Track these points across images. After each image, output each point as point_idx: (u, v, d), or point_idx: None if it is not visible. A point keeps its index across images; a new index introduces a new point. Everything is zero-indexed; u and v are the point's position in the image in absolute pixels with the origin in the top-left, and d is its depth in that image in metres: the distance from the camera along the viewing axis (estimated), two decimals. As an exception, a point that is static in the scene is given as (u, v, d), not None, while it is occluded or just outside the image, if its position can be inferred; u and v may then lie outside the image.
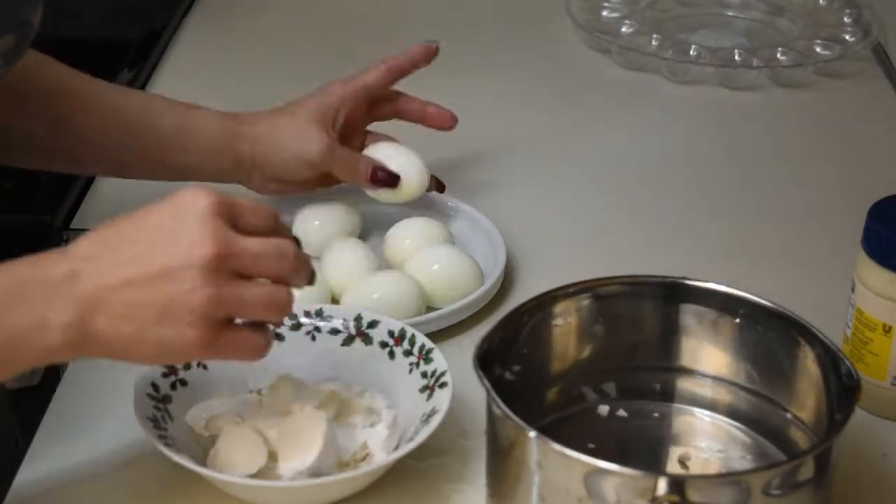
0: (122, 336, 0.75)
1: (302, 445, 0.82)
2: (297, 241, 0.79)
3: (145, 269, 0.74)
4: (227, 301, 0.75)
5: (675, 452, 0.88)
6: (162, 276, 0.74)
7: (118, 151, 1.04)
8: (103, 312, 0.74)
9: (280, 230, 0.78)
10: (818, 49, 1.41)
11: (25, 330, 0.74)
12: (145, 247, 0.75)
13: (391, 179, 1.05)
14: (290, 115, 1.07)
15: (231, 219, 0.75)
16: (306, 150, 1.04)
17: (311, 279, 0.79)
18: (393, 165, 1.06)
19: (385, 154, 1.07)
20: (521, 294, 1.02)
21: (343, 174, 1.06)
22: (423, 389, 0.87)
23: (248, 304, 0.75)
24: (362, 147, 1.09)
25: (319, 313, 0.92)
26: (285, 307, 0.77)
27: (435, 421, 0.82)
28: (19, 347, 0.74)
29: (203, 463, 0.83)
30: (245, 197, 0.80)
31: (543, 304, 0.85)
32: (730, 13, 1.52)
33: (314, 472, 0.82)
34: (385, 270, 1.04)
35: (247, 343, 0.77)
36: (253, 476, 0.82)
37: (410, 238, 1.05)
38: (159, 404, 0.85)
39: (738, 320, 0.85)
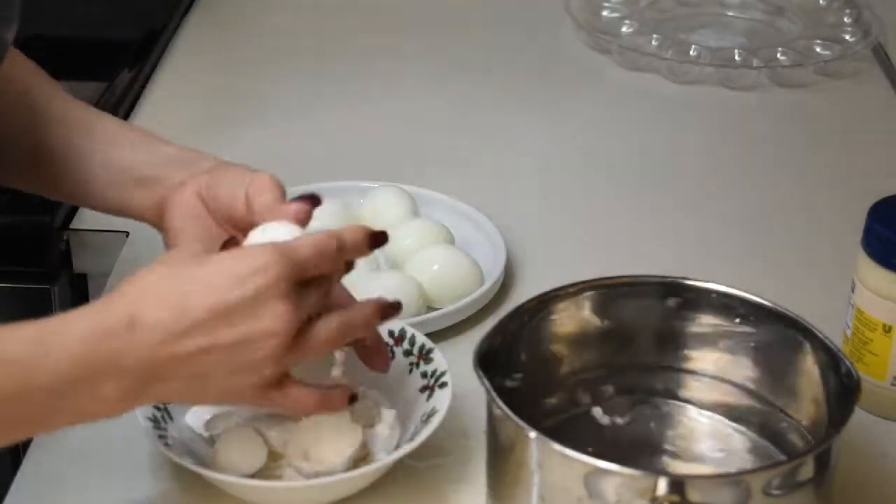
0: (187, 395, 0.78)
1: (335, 441, 0.83)
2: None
3: (219, 341, 0.74)
4: (292, 361, 0.77)
5: (674, 453, 0.88)
6: (236, 346, 0.75)
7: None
8: (166, 381, 0.75)
9: (340, 258, 0.80)
10: (818, 49, 1.41)
11: (82, 405, 0.74)
12: (218, 317, 0.74)
13: None
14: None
15: (300, 279, 0.76)
16: None
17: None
18: None
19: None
20: (521, 294, 1.02)
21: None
22: (423, 389, 0.87)
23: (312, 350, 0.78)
24: None
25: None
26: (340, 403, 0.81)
27: (435, 421, 0.82)
28: (72, 414, 0.75)
29: (203, 463, 0.83)
30: (307, 239, 0.79)
31: (543, 304, 0.85)
32: (730, 13, 1.52)
33: (319, 471, 0.82)
34: (385, 270, 1.04)
35: (299, 400, 0.79)
36: (253, 476, 0.83)
37: (410, 238, 1.05)
38: (159, 404, 0.85)
39: (737, 320, 0.85)
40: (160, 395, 0.77)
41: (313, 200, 0.85)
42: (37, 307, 1.13)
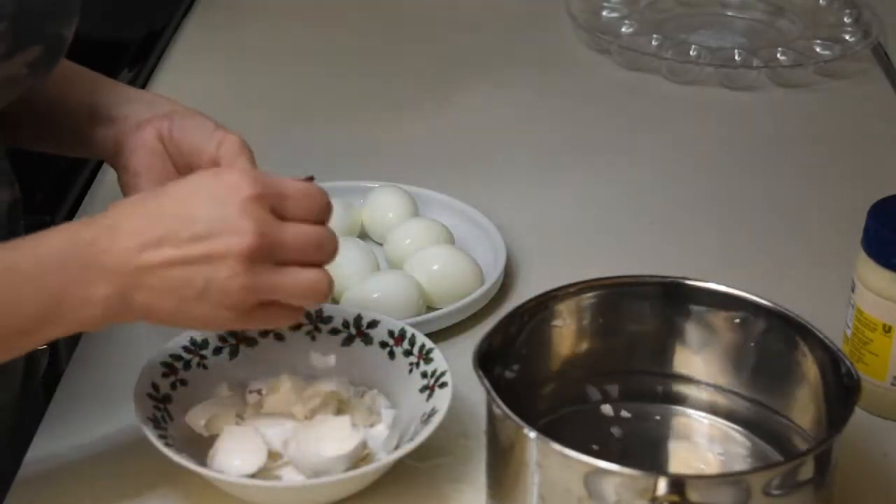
0: (161, 310, 0.78)
1: (335, 441, 0.83)
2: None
3: (187, 251, 0.77)
4: (263, 289, 0.78)
5: (674, 453, 0.88)
6: (203, 260, 0.77)
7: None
8: (143, 289, 0.77)
9: (325, 212, 0.81)
10: (818, 49, 1.41)
11: (67, 301, 0.77)
12: (188, 230, 0.77)
13: None
14: None
15: (276, 206, 0.78)
16: None
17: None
18: None
19: None
20: (521, 294, 1.02)
21: None
22: (423, 389, 0.86)
23: (284, 293, 0.78)
24: None
25: (319, 313, 0.92)
26: (323, 295, 0.80)
27: (435, 421, 0.82)
28: (60, 317, 0.77)
29: (203, 463, 0.83)
30: (293, 180, 0.81)
31: (543, 304, 0.85)
32: (730, 13, 1.52)
33: (318, 470, 0.82)
34: (385, 270, 1.04)
35: (279, 317, 0.80)
36: (253, 476, 0.83)
37: (410, 238, 1.05)
38: (159, 404, 0.85)
39: (737, 320, 0.85)
40: (141, 308, 0.78)
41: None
42: None
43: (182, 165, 0.90)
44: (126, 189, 0.92)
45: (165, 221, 0.78)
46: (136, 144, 0.91)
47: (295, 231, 0.79)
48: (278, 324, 0.84)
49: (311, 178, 0.82)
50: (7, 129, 0.96)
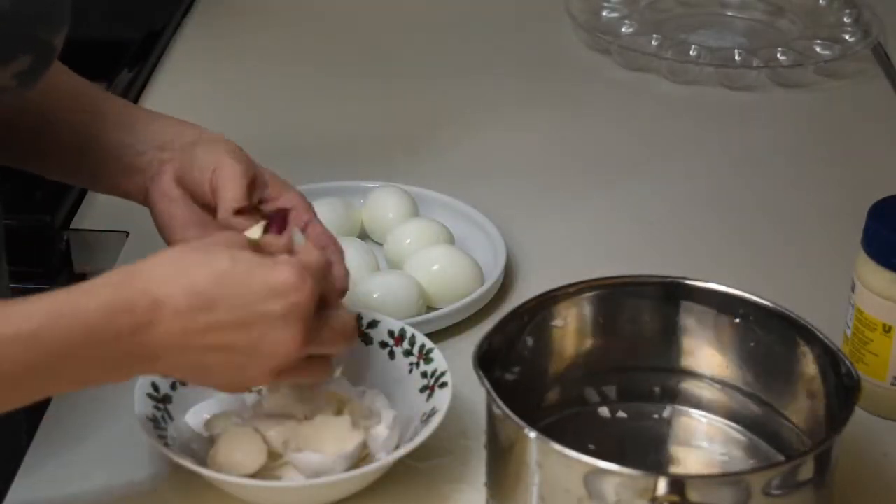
0: (188, 377, 0.82)
1: (335, 441, 0.84)
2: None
3: (231, 343, 0.76)
4: (290, 373, 0.79)
5: (674, 453, 0.88)
6: (243, 351, 0.76)
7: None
8: (171, 362, 0.77)
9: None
10: (818, 49, 1.41)
11: (100, 379, 0.77)
12: (236, 321, 0.76)
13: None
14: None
15: (317, 300, 0.78)
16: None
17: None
18: None
19: None
20: (521, 294, 1.02)
21: None
22: (423, 389, 0.87)
23: (307, 371, 0.81)
24: None
25: None
26: (325, 374, 0.83)
27: (435, 421, 0.82)
28: (87, 385, 0.78)
29: (203, 463, 0.83)
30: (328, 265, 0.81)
31: (543, 304, 0.85)
32: (730, 13, 1.52)
33: (318, 471, 0.82)
34: (385, 270, 1.04)
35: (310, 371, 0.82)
36: (253, 476, 0.83)
37: (410, 238, 1.05)
38: (159, 404, 0.85)
39: (737, 320, 0.85)
40: (162, 372, 0.80)
41: (281, 221, 0.88)
42: None
43: (199, 201, 0.90)
44: (161, 233, 0.93)
45: (214, 304, 0.75)
46: (157, 197, 0.92)
47: (328, 332, 0.79)
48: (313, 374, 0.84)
49: (282, 218, 0.86)
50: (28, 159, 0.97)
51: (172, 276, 0.76)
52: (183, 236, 0.91)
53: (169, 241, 0.92)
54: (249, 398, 0.88)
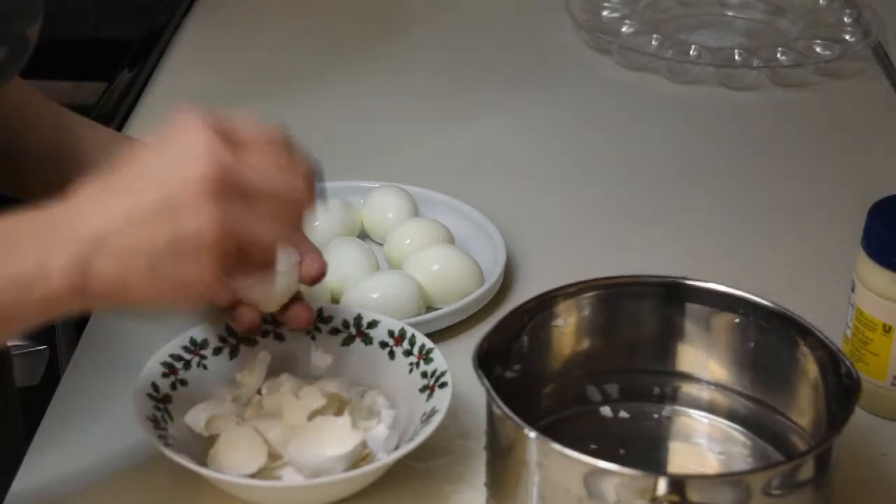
0: (130, 277, 0.71)
1: (334, 441, 0.83)
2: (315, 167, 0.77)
3: (146, 197, 0.70)
4: (237, 220, 0.71)
5: (674, 453, 0.88)
6: (163, 206, 0.70)
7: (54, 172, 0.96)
8: (105, 252, 0.70)
9: (288, 148, 0.76)
10: (818, 49, 1.41)
11: (24, 277, 0.70)
12: (144, 177, 0.71)
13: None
14: None
15: (227, 135, 0.72)
16: None
17: (318, 178, 0.77)
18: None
19: None
20: (521, 294, 1.02)
21: None
22: (423, 389, 0.86)
23: (258, 222, 0.72)
24: None
25: (319, 313, 0.92)
26: (297, 222, 0.75)
27: (435, 421, 0.82)
28: (21, 296, 0.70)
29: (203, 463, 0.83)
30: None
31: (543, 304, 0.85)
32: (730, 13, 1.52)
33: (316, 470, 0.82)
34: (385, 270, 1.04)
35: (256, 270, 0.75)
36: (253, 476, 0.83)
37: (410, 238, 1.05)
38: (159, 404, 0.85)
39: (737, 320, 0.85)
40: (108, 281, 0.71)
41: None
42: None
43: None
44: None
45: (119, 178, 0.72)
46: None
47: (254, 155, 0.72)
48: (262, 271, 0.77)
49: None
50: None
51: (84, 182, 0.73)
52: None
53: None
54: (247, 397, 0.88)
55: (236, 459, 0.83)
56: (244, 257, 0.73)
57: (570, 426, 0.86)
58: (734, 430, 0.87)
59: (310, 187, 0.76)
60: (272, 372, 0.88)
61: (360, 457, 0.84)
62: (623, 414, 0.87)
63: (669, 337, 0.87)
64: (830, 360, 0.80)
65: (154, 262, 0.70)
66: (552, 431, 0.74)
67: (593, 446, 0.82)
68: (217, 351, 0.90)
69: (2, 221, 0.71)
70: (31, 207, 0.72)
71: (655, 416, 0.88)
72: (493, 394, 0.75)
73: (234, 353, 0.90)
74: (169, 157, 0.71)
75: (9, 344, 1.02)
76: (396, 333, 0.90)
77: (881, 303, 0.90)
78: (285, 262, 0.84)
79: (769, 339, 0.84)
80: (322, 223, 1.06)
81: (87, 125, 0.98)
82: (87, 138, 0.96)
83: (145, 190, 0.70)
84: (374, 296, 0.98)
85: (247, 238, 0.72)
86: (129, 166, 0.72)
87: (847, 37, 1.43)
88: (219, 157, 0.70)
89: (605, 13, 1.48)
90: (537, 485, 0.74)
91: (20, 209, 0.73)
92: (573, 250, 1.11)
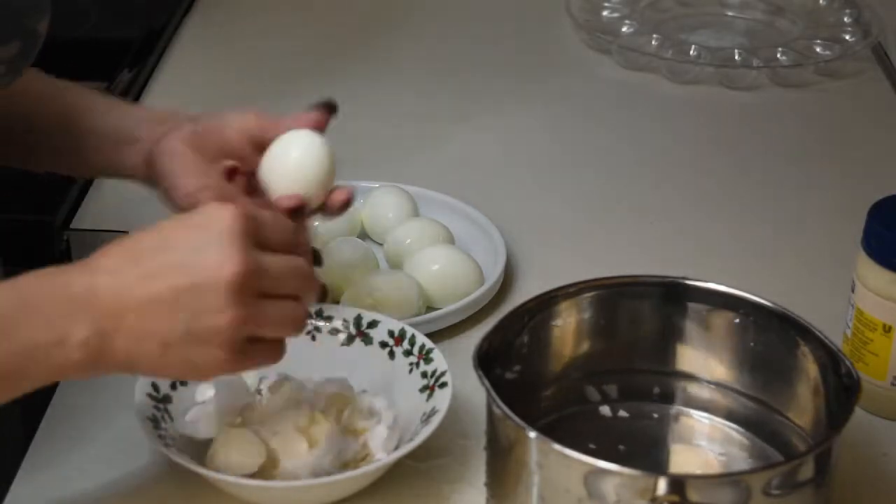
0: (145, 355, 0.74)
1: (304, 444, 0.83)
2: (316, 255, 0.82)
3: (170, 284, 0.73)
4: (252, 321, 0.74)
5: (674, 453, 0.88)
6: (187, 293, 0.73)
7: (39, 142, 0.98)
8: (123, 331, 0.73)
9: (299, 244, 0.80)
10: (818, 49, 1.41)
11: (43, 345, 0.72)
12: (170, 262, 0.73)
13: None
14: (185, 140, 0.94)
15: (255, 235, 0.75)
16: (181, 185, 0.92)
17: (322, 297, 0.81)
18: (291, 164, 0.88)
19: (283, 150, 0.89)
20: (521, 294, 1.02)
21: None
22: (423, 389, 0.87)
23: (269, 323, 0.75)
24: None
25: (319, 313, 0.92)
26: (301, 324, 0.78)
27: (435, 421, 0.82)
28: (36, 363, 0.72)
29: (202, 463, 0.83)
30: (266, 210, 0.79)
31: (543, 304, 0.85)
32: (730, 13, 1.52)
33: (315, 471, 0.82)
34: (385, 270, 1.04)
35: (267, 354, 0.78)
36: (252, 476, 0.83)
37: (411, 238, 1.05)
38: (159, 404, 0.85)
39: (737, 320, 0.85)
40: (124, 354, 0.73)
41: (329, 108, 0.87)
42: None
43: (213, 154, 0.89)
44: (168, 195, 0.90)
45: (145, 255, 0.74)
46: (162, 151, 0.90)
47: (276, 260, 0.76)
48: (266, 362, 0.79)
49: (329, 107, 0.85)
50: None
51: (108, 247, 0.75)
52: (184, 184, 0.89)
53: (168, 190, 0.90)
54: (249, 398, 0.88)
55: (235, 459, 0.83)
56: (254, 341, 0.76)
57: (570, 426, 0.86)
58: (734, 430, 0.87)
59: (318, 290, 0.80)
60: (272, 372, 0.88)
61: (360, 457, 0.84)
62: (623, 413, 0.87)
63: (669, 337, 0.87)
64: (830, 360, 0.80)
65: (168, 347, 0.73)
66: (552, 431, 0.74)
67: (593, 446, 0.82)
68: (217, 351, 0.90)
69: (23, 282, 0.74)
70: (49, 270, 0.74)
71: (655, 415, 0.88)
72: (493, 394, 0.75)
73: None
74: (199, 245, 0.74)
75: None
76: (396, 333, 0.90)
77: (881, 303, 0.90)
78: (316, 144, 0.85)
79: (769, 338, 0.84)
80: (322, 223, 1.06)
81: (86, 95, 0.98)
82: (89, 108, 0.97)
83: (170, 276, 0.73)
84: (375, 295, 0.98)
85: (259, 335, 0.75)
86: (157, 242, 0.75)
87: (847, 37, 1.43)
88: (246, 260, 0.73)
89: (605, 13, 1.48)
90: (537, 485, 0.74)
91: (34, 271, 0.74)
92: (573, 250, 1.11)
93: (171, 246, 0.74)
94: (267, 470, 0.84)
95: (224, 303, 0.73)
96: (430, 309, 1.00)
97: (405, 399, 0.87)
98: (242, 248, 0.73)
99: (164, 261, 0.74)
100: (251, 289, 0.74)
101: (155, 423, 0.84)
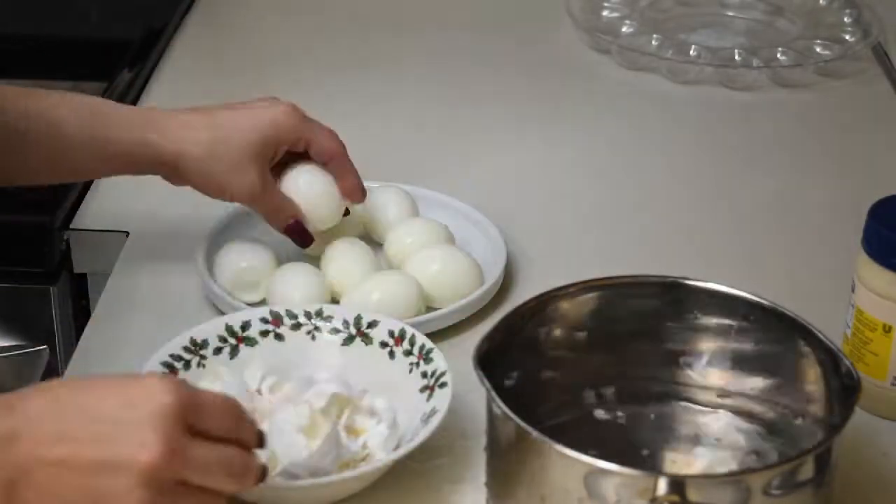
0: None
1: (304, 444, 0.83)
2: (260, 437, 0.76)
3: (85, 454, 0.70)
4: None
5: (674, 453, 0.88)
6: (100, 468, 0.70)
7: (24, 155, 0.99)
8: (33, 485, 0.70)
9: (242, 429, 0.75)
10: (818, 49, 1.42)
11: None
12: (92, 430, 0.71)
13: (304, 239, 1.03)
14: (226, 141, 1.00)
15: (191, 420, 0.72)
16: (237, 187, 1.01)
17: (259, 481, 0.75)
18: (310, 195, 1.03)
19: (304, 180, 1.03)
20: (521, 294, 1.02)
21: (265, 215, 1.03)
22: (423, 389, 0.87)
23: None
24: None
25: (319, 313, 0.92)
26: None
27: (435, 421, 0.83)
28: None
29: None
30: (210, 391, 0.77)
31: (543, 304, 0.85)
32: (730, 13, 1.53)
33: (314, 471, 0.82)
34: (385, 270, 1.04)
35: None
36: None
37: (411, 238, 1.06)
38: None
39: (737, 320, 0.85)
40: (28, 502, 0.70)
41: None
42: (37, 307, 1.16)
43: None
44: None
45: (69, 414, 0.71)
46: (186, 159, 0.97)
47: (205, 450, 0.72)
48: None
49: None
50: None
51: (40, 391, 0.73)
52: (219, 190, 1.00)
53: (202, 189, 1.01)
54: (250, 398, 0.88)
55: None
56: None
57: (570, 426, 0.86)
58: (734, 430, 0.87)
59: (255, 477, 0.75)
60: (272, 372, 0.89)
61: (360, 457, 0.84)
62: (621, 413, 0.88)
63: (669, 338, 0.87)
64: (830, 360, 0.80)
65: None
66: (552, 431, 0.74)
67: (592, 447, 0.82)
68: (217, 351, 0.91)
69: None
70: None
71: (655, 415, 0.88)
72: (494, 394, 0.76)
73: (234, 353, 0.91)
74: (126, 421, 0.70)
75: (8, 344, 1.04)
76: (396, 333, 0.90)
77: (881, 303, 0.91)
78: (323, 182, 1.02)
79: (769, 339, 0.84)
80: (323, 223, 1.06)
81: (29, 95, 0.99)
82: (34, 111, 0.98)
83: (88, 446, 0.70)
84: (374, 296, 0.98)
85: None
86: (86, 402, 0.72)
87: (847, 37, 1.44)
88: (169, 448, 0.70)
89: (605, 13, 1.49)
90: (537, 485, 0.75)
91: None
92: (573, 250, 1.11)
93: (99, 413, 0.71)
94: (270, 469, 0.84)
95: (134, 485, 0.69)
96: (430, 309, 1.00)
97: (405, 399, 0.88)
98: (168, 434, 0.70)
99: (87, 426, 0.71)
100: (168, 477, 0.70)
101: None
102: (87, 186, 1.19)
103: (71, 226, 1.16)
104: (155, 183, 1.05)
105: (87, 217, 1.16)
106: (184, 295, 1.06)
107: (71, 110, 0.99)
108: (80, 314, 1.19)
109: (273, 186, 1.02)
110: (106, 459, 0.70)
